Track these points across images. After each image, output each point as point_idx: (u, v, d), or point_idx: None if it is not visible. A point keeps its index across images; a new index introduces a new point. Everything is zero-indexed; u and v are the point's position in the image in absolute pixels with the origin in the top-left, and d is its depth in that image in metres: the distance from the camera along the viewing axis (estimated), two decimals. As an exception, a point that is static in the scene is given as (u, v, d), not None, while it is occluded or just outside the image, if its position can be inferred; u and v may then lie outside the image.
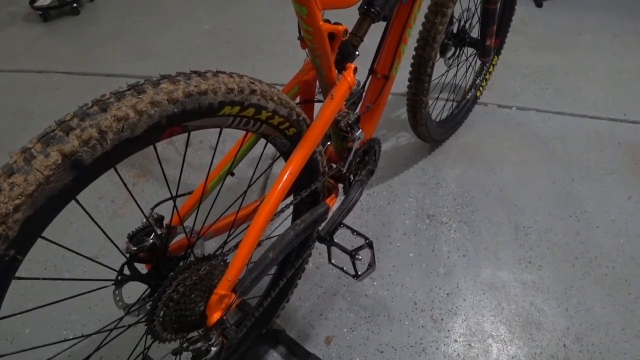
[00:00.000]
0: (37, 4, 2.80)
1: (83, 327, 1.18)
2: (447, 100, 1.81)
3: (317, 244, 1.13)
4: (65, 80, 2.26)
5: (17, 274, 0.59)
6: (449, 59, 1.57)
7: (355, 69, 0.97)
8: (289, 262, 1.07)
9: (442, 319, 1.27)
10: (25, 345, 0.64)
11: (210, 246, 0.88)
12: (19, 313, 0.64)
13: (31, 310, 0.69)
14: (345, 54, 0.97)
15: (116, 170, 0.65)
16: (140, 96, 0.61)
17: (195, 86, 0.66)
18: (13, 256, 0.57)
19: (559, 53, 2.37)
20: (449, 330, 1.25)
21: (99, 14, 2.85)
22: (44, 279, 0.68)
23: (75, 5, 2.82)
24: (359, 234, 0.98)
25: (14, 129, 2.03)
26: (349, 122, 1.01)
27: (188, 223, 0.88)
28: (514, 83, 2.11)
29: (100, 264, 0.77)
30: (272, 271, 1.14)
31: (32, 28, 2.77)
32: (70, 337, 0.81)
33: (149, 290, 0.84)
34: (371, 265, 0.99)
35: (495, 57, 1.89)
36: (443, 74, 1.66)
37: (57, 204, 0.58)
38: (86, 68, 2.31)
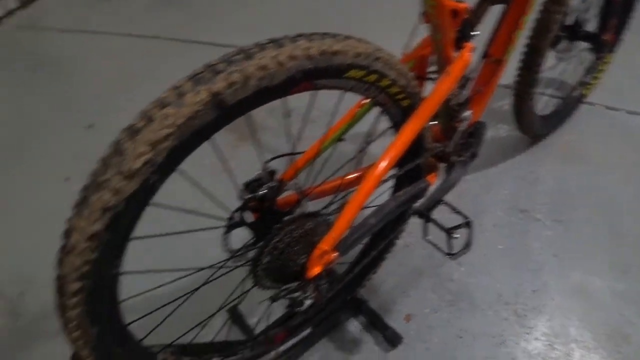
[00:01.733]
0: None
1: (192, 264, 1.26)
2: (552, 95, 1.74)
3: (408, 222, 1.15)
4: (175, 47, 2.39)
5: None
6: (560, 52, 1.51)
7: (473, 49, 0.97)
8: (382, 234, 1.09)
9: (525, 315, 1.25)
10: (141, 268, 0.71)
11: (312, 207, 0.92)
12: (149, 237, 0.71)
13: (155, 236, 0.76)
14: (465, 32, 0.97)
15: (248, 118, 0.69)
16: (281, 49, 0.65)
17: (329, 46, 0.70)
18: (155, 181, 0.63)
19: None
20: (531, 328, 1.22)
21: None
22: (172, 208, 0.74)
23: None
24: (458, 212, 0.98)
25: (123, 89, 2.20)
26: (460, 101, 1.01)
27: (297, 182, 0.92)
28: (625, 85, 1.98)
29: (218, 204, 0.82)
30: (364, 241, 1.17)
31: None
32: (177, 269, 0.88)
33: (254, 238, 0.89)
34: (467, 246, 0.99)
35: (609, 54, 1.79)
36: (551, 68, 1.60)
37: (197, 139, 0.64)
38: (196, 36, 2.43)
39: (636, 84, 1.99)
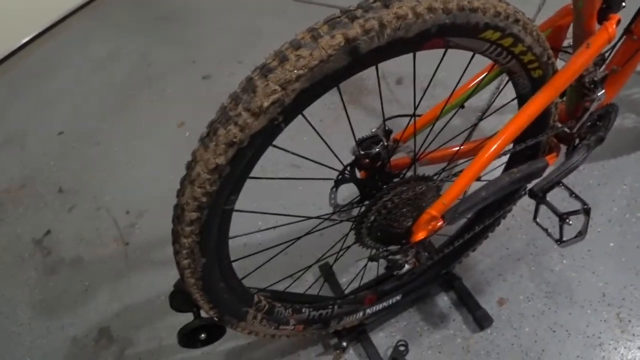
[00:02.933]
0: None
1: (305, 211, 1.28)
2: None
3: (516, 204, 1.09)
4: (295, 7, 2.42)
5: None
6: None
7: (619, 21, 0.89)
8: (489, 210, 1.05)
9: (629, 320, 1.16)
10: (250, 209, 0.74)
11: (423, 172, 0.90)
12: (265, 178, 0.73)
13: (271, 178, 0.79)
14: (612, 2, 0.88)
15: (377, 69, 0.68)
16: (420, 0, 0.63)
17: (468, 2, 0.66)
18: (280, 122, 0.64)
19: None
20: (634, 335, 1.14)
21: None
22: (291, 152, 0.75)
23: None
24: (577, 197, 0.92)
25: (245, 44, 2.26)
26: (595, 79, 0.93)
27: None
28: None
29: (332, 156, 0.83)
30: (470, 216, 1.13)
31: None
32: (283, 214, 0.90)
33: (360, 196, 0.89)
34: (581, 234, 0.93)
35: None
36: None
37: (327, 84, 0.64)
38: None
39: None
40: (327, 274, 1.24)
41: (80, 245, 1.57)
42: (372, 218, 0.83)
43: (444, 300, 1.21)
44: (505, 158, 1.00)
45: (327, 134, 1.48)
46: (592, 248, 1.27)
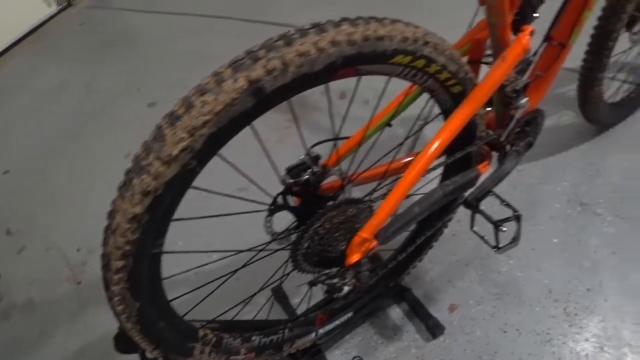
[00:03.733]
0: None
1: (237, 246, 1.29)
2: (624, 81, 1.62)
3: (457, 211, 1.11)
4: (241, 27, 2.42)
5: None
6: (636, 34, 1.40)
7: (532, 32, 0.92)
8: (429, 222, 1.07)
9: (576, 314, 1.19)
10: (187, 247, 0.74)
11: (355, 194, 0.91)
12: (191, 219, 0.73)
13: (197, 218, 0.79)
14: (524, 14, 0.92)
15: (289, 104, 0.69)
16: (323, 34, 0.64)
17: (373, 31, 0.68)
18: (194, 167, 0.65)
19: None
20: (581, 327, 1.17)
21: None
22: (213, 192, 0.76)
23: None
24: (508, 204, 0.95)
25: (190, 68, 2.25)
26: (516, 88, 0.96)
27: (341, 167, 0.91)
28: None
29: (261, 188, 0.83)
30: (412, 228, 1.15)
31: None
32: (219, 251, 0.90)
33: (296, 222, 0.89)
34: (515, 240, 0.95)
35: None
36: (624, 51, 1.48)
37: (236, 126, 0.65)
38: (262, 17, 2.44)
39: None
40: (279, 296, 1.24)
41: (32, 287, 1.54)
42: (306, 244, 0.84)
43: (396, 312, 1.23)
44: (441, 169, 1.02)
45: (272, 154, 1.49)
46: (536, 246, 1.31)
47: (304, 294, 1.23)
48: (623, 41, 1.35)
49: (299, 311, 1.19)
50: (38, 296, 1.50)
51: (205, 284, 0.91)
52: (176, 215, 0.70)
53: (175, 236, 0.71)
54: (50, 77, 2.41)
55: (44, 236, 1.66)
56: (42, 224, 1.70)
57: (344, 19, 0.68)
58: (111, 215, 0.67)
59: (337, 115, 1.72)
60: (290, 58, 0.62)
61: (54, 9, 2.86)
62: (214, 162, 0.68)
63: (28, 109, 2.26)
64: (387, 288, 1.19)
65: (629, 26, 1.35)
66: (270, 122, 1.64)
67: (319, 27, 0.65)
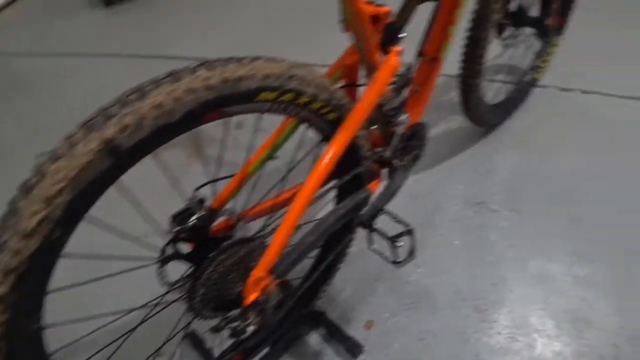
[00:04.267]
0: (99, -12, 2.91)
1: (131, 303, 1.24)
2: (503, 82, 1.74)
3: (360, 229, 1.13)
4: (129, 64, 2.34)
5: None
6: (507, 39, 1.51)
7: (400, 52, 0.95)
8: (331, 245, 1.08)
9: (486, 310, 1.24)
10: (80, 312, 0.69)
11: (255, 228, 0.90)
12: (72, 286, 0.69)
13: (79, 285, 0.74)
14: (390, 36, 0.95)
15: (155, 156, 0.67)
16: (177, 83, 0.63)
17: (232, 72, 0.67)
18: (59, 235, 0.61)
19: (629, 32, 2.20)
20: (493, 322, 1.22)
21: (160, -4, 2.92)
22: (88, 257, 0.72)
23: (136, -13, 2.91)
24: (399, 220, 0.97)
25: (77, 112, 2.13)
26: (393, 106, 0.99)
27: (233, 204, 0.90)
28: (577, 64, 1.98)
29: (143, 243, 0.80)
30: (315, 253, 1.15)
31: (95, 13, 2.88)
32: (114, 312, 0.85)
33: (192, 269, 0.87)
34: (411, 253, 0.98)
35: (558, 36, 1.78)
36: (500, 55, 1.59)
37: (98, 188, 0.61)
38: (149, 51, 2.38)
39: (588, 62, 2.00)
40: (194, 342, 1.19)
41: None
42: (201, 291, 0.81)
43: (314, 338, 1.22)
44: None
45: (172, 195, 1.44)
46: (440, 251, 1.35)
47: (215, 338, 1.19)
48: (497, 47, 1.45)
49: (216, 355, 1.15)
50: None
51: (100, 350, 0.85)
52: (54, 285, 0.65)
53: (65, 302, 0.67)
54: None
55: None
56: None
57: (201, 64, 0.67)
58: None
59: (236, 147, 1.71)
60: (144, 112, 0.60)
61: None
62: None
63: None
64: (301, 316, 1.18)
65: (500, 32, 1.45)
66: (170, 161, 1.59)
67: (173, 76, 0.64)
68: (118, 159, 0.60)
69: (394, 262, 0.98)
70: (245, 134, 1.68)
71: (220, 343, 1.19)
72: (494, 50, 1.49)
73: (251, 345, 1.09)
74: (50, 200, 0.57)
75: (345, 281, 1.30)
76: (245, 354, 1.08)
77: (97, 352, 0.86)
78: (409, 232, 0.96)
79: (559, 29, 1.75)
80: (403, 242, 0.97)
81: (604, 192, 1.48)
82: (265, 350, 1.12)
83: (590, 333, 1.18)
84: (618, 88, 1.85)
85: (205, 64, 0.66)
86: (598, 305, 1.23)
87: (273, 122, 0.82)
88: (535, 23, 1.54)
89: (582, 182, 1.51)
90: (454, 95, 1.75)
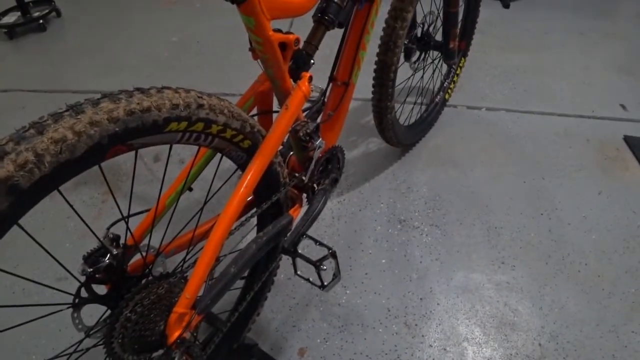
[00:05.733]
0: (2, 21, 2.77)
1: (53, 350, 1.15)
2: (415, 104, 1.82)
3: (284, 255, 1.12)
4: (32, 99, 2.22)
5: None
6: (415, 62, 1.58)
7: (311, 78, 0.97)
8: (256, 275, 1.06)
9: (416, 324, 1.27)
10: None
11: (174, 263, 0.87)
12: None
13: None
14: (300, 63, 0.97)
15: (60, 193, 0.63)
16: (79, 116, 0.60)
17: (138, 104, 0.65)
18: None
19: (527, 52, 2.40)
20: (423, 336, 1.25)
21: (65, 30, 2.82)
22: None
23: (41, 21, 2.79)
24: (321, 244, 0.97)
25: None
26: (308, 131, 1.00)
27: (150, 240, 0.86)
28: (482, 84, 2.13)
29: (54, 288, 0.75)
30: (241, 285, 1.13)
31: (-3, 46, 2.74)
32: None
33: (109, 311, 0.82)
34: (336, 275, 0.98)
35: (462, 59, 1.91)
36: (409, 78, 1.66)
37: (4, 225, 0.57)
38: (54, 85, 2.28)
39: (491, 81, 2.15)
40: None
41: None
42: (121, 334, 0.77)
43: (247, 372, 1.19)
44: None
45: (89, 234, 1.37)
46: (368, 270, 1.37)
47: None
48: (407, 70, 1.51)
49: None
50: None
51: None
52: None
53: None
54: None
55: None
56: None
57: (104, 96, 0.64)
58: None
59: (154, 180, 1.66)
60: (43, 148, 0.57)
61: None
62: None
63: None
64: (231, 350, 1.14)
65: (408, 57, 1.52)
66: (85, 197, 1.51)
67: (74, 109, 0.61)
68: (17, 199, 0.56)
69: (321, 287, 0.98)
70: (162, 167, 1.64)
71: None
72: (404, 74, 1.56)
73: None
74: None
75: (275, 310, 1.28)
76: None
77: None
78: (332, 254, 0.96)
79: (463, 51, 1.87)
80: (326, 266, 0.97)
81: (517, 200, 1.58)
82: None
83: (515, 336, 1.24)
84: (520, 104, 2.00)
85: (109, 95, 0.64)
86: (521, 309, 1.29)
87: (192, 152, 0.81)
88: (440, 47, 1.64)
89: (495, 193, 1.60)
90: (371, 118, 1.81)
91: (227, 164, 0.90)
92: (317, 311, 1.29)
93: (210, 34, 2.63)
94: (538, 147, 1.79)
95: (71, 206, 0.64)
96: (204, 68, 2.32)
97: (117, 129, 0.63)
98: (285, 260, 1.16)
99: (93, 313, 0.82)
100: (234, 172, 0.91)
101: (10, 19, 2.79)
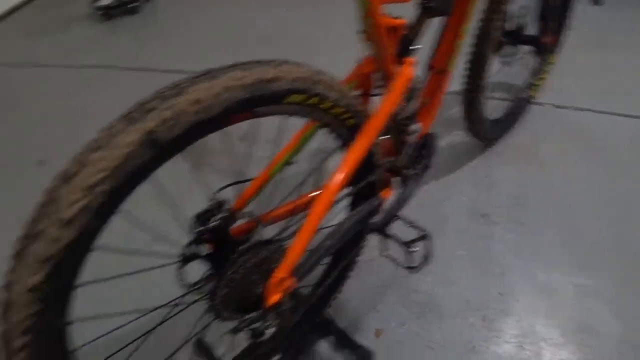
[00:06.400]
0: (99, 3, 2.95)
1: (149, 302, 1.23)
2: (501, 99, 1.79)
3: (370, 237, 1.14)
4: (123, 75, 2.37)
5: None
6: (505, 56, 1.56)
7: (414, 63, 0.98)
8: (342, 253, 1.09)
9: (493, 319, 1.26)
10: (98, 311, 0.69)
11: (270, 232, 0.91)
12: (97, 281, 0.69)
13: (104, 280, 0.74)
14: (405, 48, 0.99)
15: (187, 153, 0.68)
16: (214, 81, 0.65)
17: (265, 73, 0.69)
18: (95, 226, 0.61)
19: (620, 52, 2.28)
20: (500, 331, 1.23)
21: (157, 13, 2.96)
22: (117, 251, 0.72)
23: (134, 4, 2.95)
24: (414, 225, 0.99)
25: (75, 120, 2.15)
26: (407, 115, 1.02)
27: (250, 208, 0.91)
28: (571, 82, 2.05)
29: (165, 243, 0.81)
30: (326, 262, 1.16)
31: (94, 27, 2.91)
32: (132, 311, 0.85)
33: (210, 270, 0.87)
34: (426, 258, 0.99)
35: (552, 55, 1.85)
36: (498, 72, 1.63)
37: (135, 180, 0.62)
38: (143, 64, 2.40)
39: (581, 80, 2.07)
40: (201, 349, 1.19)
41: None
42: (223, 292, 0.82)
43: (323, 347, 1.22)
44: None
45: (183, 200, 1.45)
46: (449, 261, 1.37)
47: (228, 344, 1.19)
48: (496, 64, 1.49)
49: (226, 362, 1.15)
50: None
51: (121, 349, 0.85)
52: (81, 280, 0.66)
53: (80, 302, 0.67)
54: None
55: None
56: None
57: (234, 65, 0.69)
58: (7, 288, 0.61)
59: (242, 157, 1.73)
60: (183, 107, 0.62)
61: None
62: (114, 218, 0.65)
63: None
64: (311, 324, 1.18)
65: (498, 50, 1.50)
66: (174, 168, 1.60)
67: (210, 74, 0.66)
68: (157, 152, 0.61)
69: (409, 268, 0.99)
70: (262, 141, 1.71)
71: (226, 353, 1.20)
72: (493, 68, 1.54)
73: (263, 352, 1.08)
74: (90, 190, 0.58)
75: (355, 290, 1.31)
76: (257, 361, 1.07)
77: (114, 354, 0.85)
78: (424, 237, 0.97)
79: (554, 47, 1.81)
80: (417, 248, 0.98)
81: (604, 204, 1.52)
82: (275, 359, 1.12)
83: (595, 341, 1.20)
84: (608, 105, 1.91)
85: (239, 65, 0.69)
86: (602, 314, 1.25)
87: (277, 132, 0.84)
88: (532, 41, 1.60)
89: (580, 194, 1.55)
90: (456, 111, 1.79)
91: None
92: (396, 295, 1.30)
93: (303, 21, 2.66)
94: (629, 152, 1.71)
95: (189, 170, 0.69)
96: (293, 53, 2.37)
97: (246, 96, 0.67)
98: (368, 243, 1.18)
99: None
100: (334, 151, 0.94)
101: (106, 1, 2.98)
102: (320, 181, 1.08)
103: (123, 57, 2.51)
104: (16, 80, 2.54)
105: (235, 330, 0.87)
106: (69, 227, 0.58)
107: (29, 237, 0.60)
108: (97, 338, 0.85)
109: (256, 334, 0.85)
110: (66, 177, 0.59)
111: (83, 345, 0.75)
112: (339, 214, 0.97)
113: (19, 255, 0.60)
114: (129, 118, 0.61)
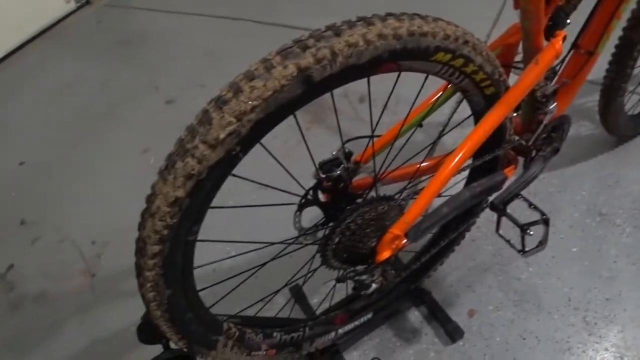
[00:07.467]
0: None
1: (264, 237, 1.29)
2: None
3: (480, 216, 1.11)
4: (252, 28, 2.44)
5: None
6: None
7: (565, 38, 0.92)
8: (453, 225, 1.07)
9: (595, 323, 1.19)
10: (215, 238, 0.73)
11: (387, 191, 0.92)
12: (227, 207, 0.73)
13: (233, 207, 0.79)
14: (557, 20, 0.92)
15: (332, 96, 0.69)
16: (370, 27, 0.65)
17: (418, 27, 0.68)
18: (237, 153, 0.65)
19: None
20: (601, 337, 1.16)
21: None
22: (252, 181, 0.75)
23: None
24: (536, 208, 0.94)
25: (206, 67, 2.27)
26: (546, 93, 0.96)
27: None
28: None
29: (296, 181, 0.84)
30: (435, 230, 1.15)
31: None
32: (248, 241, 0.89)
33: (324, 218, 0.89)
34: (542, 244, 0.95)
35: None
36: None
37: (282, 113, 0.65)
38: (271, 18, 2.46)
39: None
40: (298, 295, 1.24)
41: (44, 279, 1.53)
42: (337, 240, 0.84)
43: (415, 315, 1.22)
44: (466, 173, 1.02)
45: (292, 155, 1.49)
46: (556, 254, 1.30)
47: (323, 293, 1.23)
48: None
49: (319, 311, 1.19)
50: (51, 287, 1.50)
51: (232, 277, 0.90)
52: (213, 203, 0.70)
53: (206, 225, 0.71)
54: (67, 74, 2.42)
55: (59, 228, 1.66)
56: (57, 216, 1.70)
57: (389, 14, 0.68)
58: (150, 199, 0.66)
59: (356, 119, 1.74)
60: (339, 48, 0.62)
61: (72, 5, 2.86)
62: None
63: (45, 104, 2.26)
64: (407, 291, 1.18)
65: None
66: (292, 122, 1.65)
67: (366, 20, 0.66)
68: (307, 89, 0.63)
69: (521, 251, 0.96)
70: (365, 108, 1.70)
71: (319, 303, 1.23)
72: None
73: (358, 307, 1.11)
74: (241, 116, 0.61)
75: (454, 266, 1.29)
76: (350, 315, 1.10)
77: (226, 280, 0.91)
78: (545, 221, 0.93)
79: None
80: (533, 232, 0.94)
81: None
82: (366, 317, 1.14)
83: None
84: None
85: (393, 15, 0.68)
86: None
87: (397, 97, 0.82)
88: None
89: None
90: (587, 100, 1.67)
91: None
92: (495, 279, 1.27)
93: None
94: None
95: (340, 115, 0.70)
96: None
97: (397, 46, 0.67)
98: (479, 220, 1.15)
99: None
100: (467, 118, 0.91)
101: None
102: (438, 149, 1.06)
103: (253, 10, 2.59)
104: (156, 25, 2.71)
105: (340, 280, 0.89)
106: (216, 149, 0.62)
107: (179, 154, 0.64)
108: (216, 261, 0.91)
109: (362, 287, 0.87)
110: (221, 102, 0.62)
111: (202, 265, 0.81)
112: (455, 186, 0.95)
113: (166, 169, 0.65)
114: (286, 53, 0.62)
